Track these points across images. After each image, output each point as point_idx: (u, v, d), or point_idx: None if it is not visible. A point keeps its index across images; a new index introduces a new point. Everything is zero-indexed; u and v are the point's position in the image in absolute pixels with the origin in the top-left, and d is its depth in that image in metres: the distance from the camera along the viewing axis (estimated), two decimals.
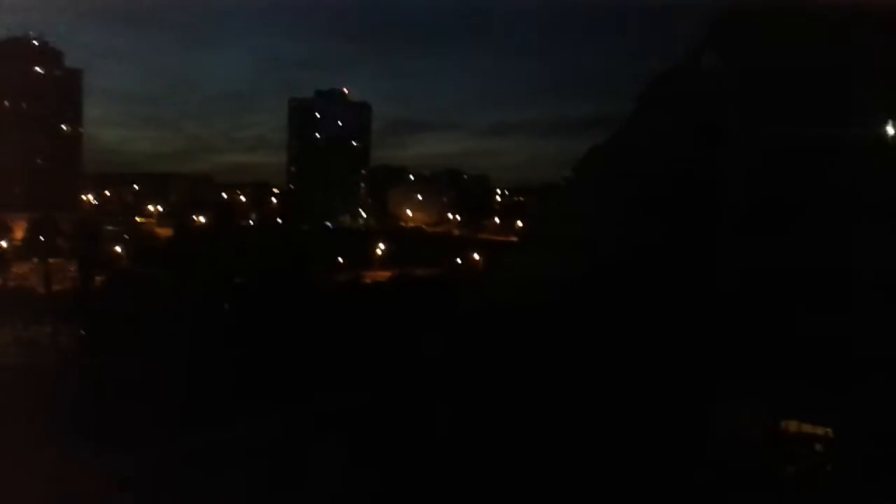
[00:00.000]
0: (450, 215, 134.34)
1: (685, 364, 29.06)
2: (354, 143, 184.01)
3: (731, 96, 30.23)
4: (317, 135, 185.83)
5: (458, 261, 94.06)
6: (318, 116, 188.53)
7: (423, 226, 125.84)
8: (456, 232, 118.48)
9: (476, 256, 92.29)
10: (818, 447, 28.71)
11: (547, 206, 55.22)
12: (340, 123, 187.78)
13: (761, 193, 29.08)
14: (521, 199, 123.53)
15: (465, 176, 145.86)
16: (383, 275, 77.36)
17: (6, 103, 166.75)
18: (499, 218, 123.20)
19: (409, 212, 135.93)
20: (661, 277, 30.10)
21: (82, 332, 51.76)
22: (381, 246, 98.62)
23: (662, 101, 32.33)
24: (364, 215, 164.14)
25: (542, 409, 29.92)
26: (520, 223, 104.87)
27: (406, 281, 66.95)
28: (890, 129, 28.85)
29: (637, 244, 30.48)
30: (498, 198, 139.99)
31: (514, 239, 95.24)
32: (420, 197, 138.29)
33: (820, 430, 28.48)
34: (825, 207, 28.09)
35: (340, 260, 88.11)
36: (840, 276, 27.59)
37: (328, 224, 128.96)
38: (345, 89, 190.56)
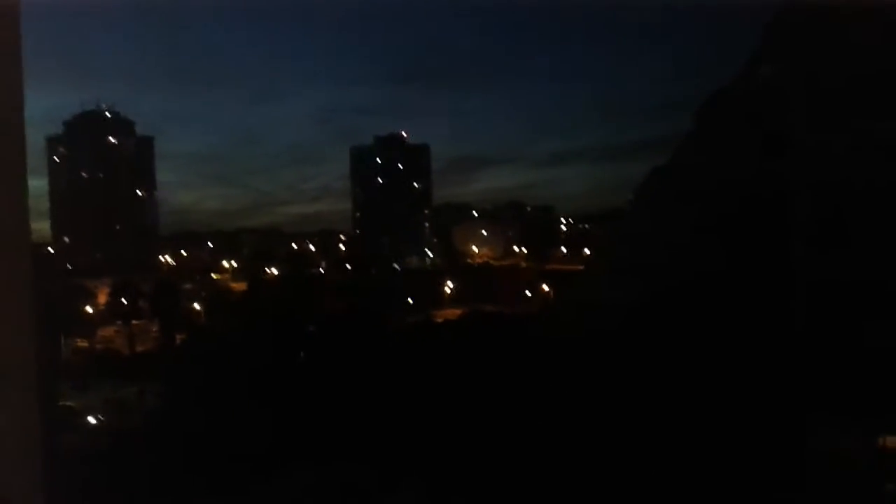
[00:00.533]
0: (516, 248, 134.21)
1: (764, 386, 28.12)
2: (416, 185, 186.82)
3: (793, 104, 29.46)
4: (379, 180, 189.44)
5: (528, 293, 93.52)
6: (379, 162, 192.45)
7: (490, 261, 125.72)
8: (523, 264, 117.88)
9: (545, 288, 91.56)
10: None
11: (613, 232, 54.60)
12: (401, 166, 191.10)
13: (834, 202, 28.13)
14: (587, 226, 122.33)
15: (528, 207, 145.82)
16: (453, 313, 77.31)
17: (84, 174, 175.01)
18: (565, 247, 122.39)
19: (474, 248, 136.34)
20: (736, 296, 29.35)
21: (167, 392, 53.24)
22: (450, 284, 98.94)
23: (722, 116, 31.72)
24: (430, 255, 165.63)
25: (628, 435, 29.37)
26: (586, 251, 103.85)
27: (476, 318, 66.82)
28: None
29: (705, 266, 29.84)
30: (563, 227, 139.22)
31: (582, 268, 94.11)
32: (484, 232, 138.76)
33: None
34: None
35: (410, 301, 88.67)
36: None
37: (396, 266, 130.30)
38: (403, 133, 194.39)
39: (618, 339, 30.75)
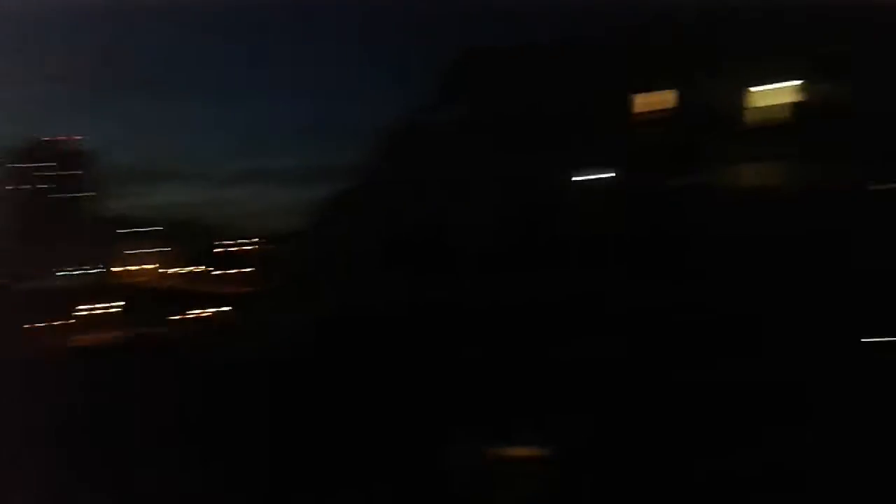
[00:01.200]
0: (186, 268, 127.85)
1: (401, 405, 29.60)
2: (83, 193, 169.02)
3: (469, 146, 31.57)
4: (42, 185, 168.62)
5: (193, 315, 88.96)
6: (45, 165, 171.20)
7: (155, 280, 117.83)
8: (191, 285, 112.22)
9: (213, 310, 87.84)
10: (536, 470, 29.89)
11: (287, 255, 54.54)
12: (63, 172, 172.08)
13: (500, 242, 30.66)
14: (266, 247, 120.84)
15: (203, 225, 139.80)
16: (108, 335, 70.60)
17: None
18: (239, 268, 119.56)
19: (139, 266, 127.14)
20: (403, 324, 30.52)
21: None
22: (103, 303, 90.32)
23: (404, 151, 32.94)
24: (88, 270, 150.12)
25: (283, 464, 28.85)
26: (262, 273, 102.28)
27: (134, 340, 61.73)
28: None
29: (380, 297, 30.64)
30: (239, 248, 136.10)
31: (255, 290, 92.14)
32: (157, 249, 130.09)
33: (537, 453, 29.81)
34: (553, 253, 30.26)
35: (53, 322, 79.13)
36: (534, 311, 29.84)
37: (52, 280, 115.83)
38: (67, 136, 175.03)
39: (289, 364, 30.15)
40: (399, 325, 30.34)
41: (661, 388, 28.69)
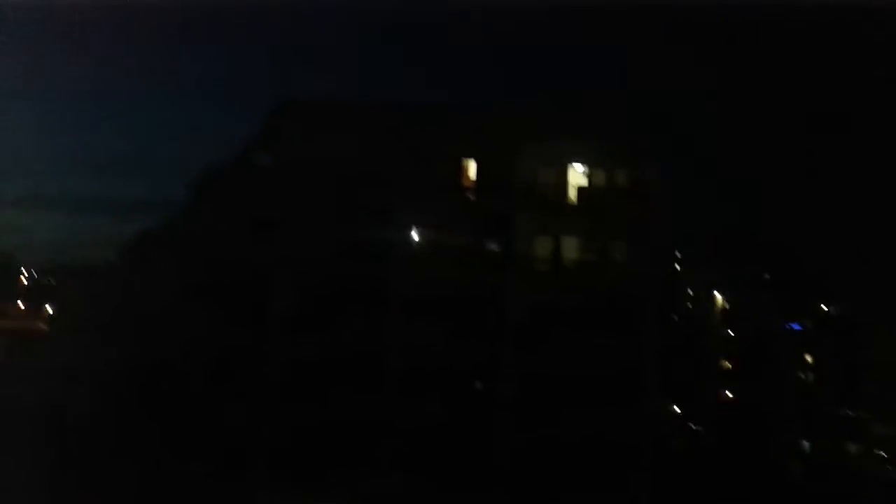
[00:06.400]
0: None
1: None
2: None
3: (283, 193, 31.81)
4: None
5: None
6: None
7: None
8: None
9: None
10: None
11: (86, 290, 50.80)
12: None
13: (311, 288, 30.87)
14: (53, 281, 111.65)
15: None
16: None
17: None
18: (24, 302, 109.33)
19: None
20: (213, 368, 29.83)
21: None
22: None
23: (218, 192, 32.54)
24: None
25: None
26: (51, 308, 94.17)
27: None
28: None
29: (186, 334, 29.78)
30: (24, 279, 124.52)
31: (45, 326, 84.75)
32: None
33: None
34: (359, 301, 30.88)
35: None
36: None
37: None
38: None
39: (82, 407, 28.36)
40: (200, 371, 29.41)
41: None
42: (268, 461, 29.60)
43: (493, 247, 31.40)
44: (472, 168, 32.40)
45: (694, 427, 46.13)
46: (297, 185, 31.28)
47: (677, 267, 49.40)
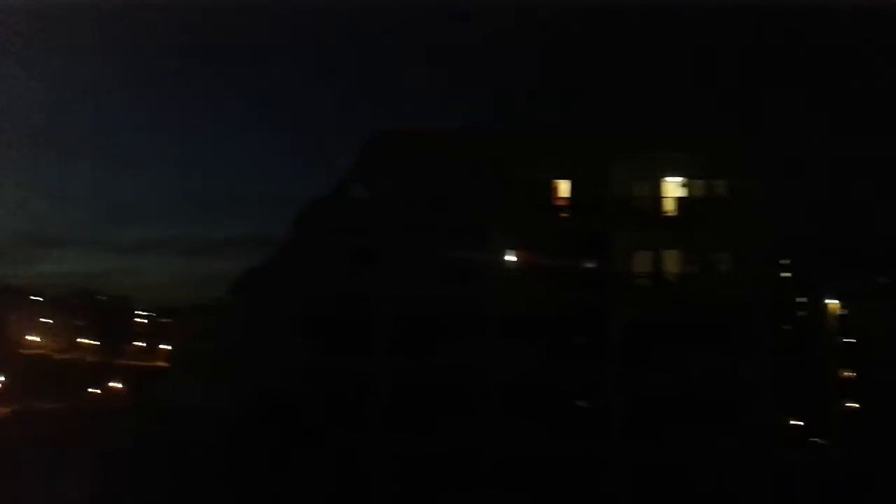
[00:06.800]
0: (84, 340, 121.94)
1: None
2: None
3: (380, 222, 32.46)
4: None
5: (93, 390, 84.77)
6: None
7: (51, 353, 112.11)
8: (90, 358, 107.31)
9: (114, 385, 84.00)
10: None
11: (200, 329, 53.06)
12: None
13: (410, 315, 31.25)
14: (167, 320, 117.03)
15: (101, 297, 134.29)
16: None
17: None
18: (142, 342, 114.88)
19: (33, 338, 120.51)
20: (328, 398, 30.47)
21: None
22: None
23: (318, 226, 33.49)
24: None
25: None
26: (166, 347, 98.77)
27: (25, 416, 58.54)
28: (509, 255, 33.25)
29: (299, 369, 30.57)
30: (141, 320, 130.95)
31: (160, 364, 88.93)
32: (46, 320, 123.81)
33: None
34: (459, 324, 31.07)
35: None
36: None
37: None
38: None
39: (202, 443, 29.43)
40: (313, 402, 30.14)
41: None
42: (376, 488, 30.00)
43: (592, 264, 31.10)
44: (566, 187, 32.33)
45: (816, 440, 43.91)
46: (393, 213, 31.95)
47: (786, 275, 47.48)
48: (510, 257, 31.95)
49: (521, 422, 29.79)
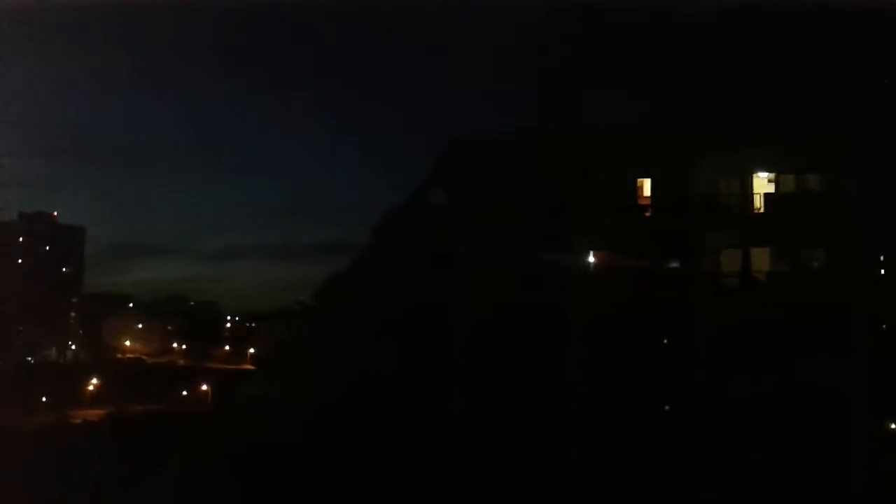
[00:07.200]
0: (175, 344, 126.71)
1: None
2: (64, 269, 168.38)
3: (459, 229, 32.50)
4: (19, 261, 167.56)
5: (184, 393, 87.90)
6: (22, 240, 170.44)
7: (144, 356, 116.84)
8: (181, 362, 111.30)
9: (204, 387, 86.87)
10: None
11: (285, 333, 54.26)
12: (48, 248, 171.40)
13: (488, 319, 31.17)
14: (253, 324, 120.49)
15: (191, 302, 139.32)
16: (95, 413, 69.53)
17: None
18: (229, 345, 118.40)
19: (128, 342, 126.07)
20: (407, 399, 30.67)
21: None
22: (95, 381, 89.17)
23: (396, 232, 33.80)
24: (73, 347, 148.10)
25: None
26: (252, 350, 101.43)
27: (121, 418, 60.96)
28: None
29: (381, 373, 30.84)
30: (228, 324, 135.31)
31: (247, 367, 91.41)
32: (140, 326, 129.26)
33: None
34: (540, 329, 30.77)
35: (44, 399, 77.99)
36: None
37: (29, 359, 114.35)
38: (54, 212, 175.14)
39: (293, 444, 29.99)
40: (399, 406, 30.39)
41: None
42: (456, 492, 29.95)
43: (679, 264, 30.38)
44: (649, 186, 31.69)
45: None
46: (472, 217, 31.93)
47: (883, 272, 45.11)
48: (594, 259, 31.52)
49: (604, 427, 29.30)
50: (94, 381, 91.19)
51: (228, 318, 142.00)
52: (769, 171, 30.30)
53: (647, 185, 31.96)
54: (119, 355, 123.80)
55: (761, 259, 29.70)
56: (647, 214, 31.25)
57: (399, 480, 29.42)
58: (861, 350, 27.55)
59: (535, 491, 29.32)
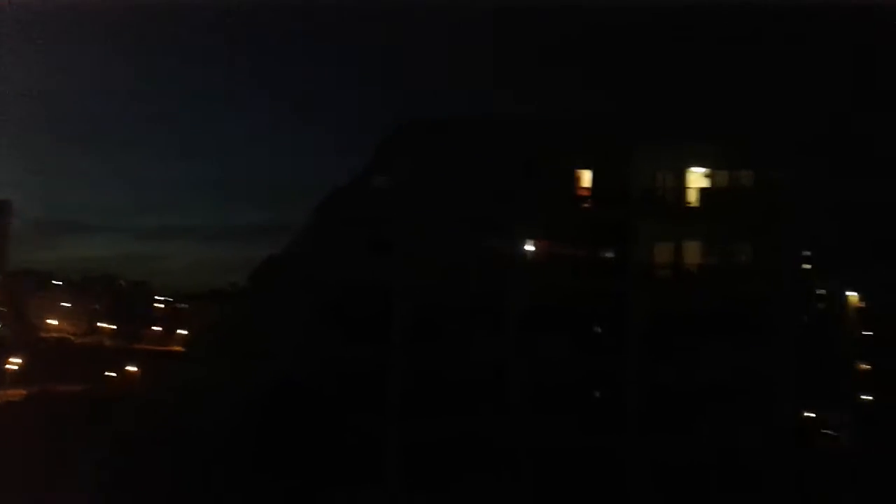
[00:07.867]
0: (103, 324, 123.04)
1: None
2: None
3: (398, 213, 32.47)
4: None
5: (112, 374, 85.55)
6: None
7: (70, 336, 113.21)
8: (108, 342, 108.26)
9: (132, 369, 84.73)
10: None
11: (217, 315, 53.29)
12: None
13: (425, 303, 31.30)
14: (185, 306, 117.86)
15: (121, 282, 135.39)
16: (15, 393, 67.15)
17: None
18: (160, 326, 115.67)
19: (53, 321, 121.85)
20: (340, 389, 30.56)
21: None
22: (15, 360, 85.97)
23: (336, 216, 33.55)
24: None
25: None
26: (183, 332, 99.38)
27: (43, 398, 59.09)
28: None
29: (317, 354, 30.68)
30: (159, 305, 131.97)
31: (177, 349, 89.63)
32: (67, 304, 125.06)
33: None
34: (475, 313, 31.06)
35: None
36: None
37: None
38: None
39: (221, 428, 29.54)
40: (328, 390, 30.23)
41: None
42: (392, 474, 30.09)
43: (613, 255, 30.94)
44: (588, 177, 32.10)
45: (831, 433, 43.57)
46: (414, 202, 31.89)
47: (807, 267, 46.92)
48: (532, 247, 31.82)
49: (539, 415, 29.76)
50: (16, 360, 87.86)
51: (159, 298, 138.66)
52: (704, 166, 31.04)
53: (586, 176, 32.33)
54: (43, 334, 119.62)
55: (693, 252, 30.49)
56: (587, 206, 31.66)
57: (334, 464, 29.33)
58: (785, 338, 28.66)
59: (468, 472, 29.61)
